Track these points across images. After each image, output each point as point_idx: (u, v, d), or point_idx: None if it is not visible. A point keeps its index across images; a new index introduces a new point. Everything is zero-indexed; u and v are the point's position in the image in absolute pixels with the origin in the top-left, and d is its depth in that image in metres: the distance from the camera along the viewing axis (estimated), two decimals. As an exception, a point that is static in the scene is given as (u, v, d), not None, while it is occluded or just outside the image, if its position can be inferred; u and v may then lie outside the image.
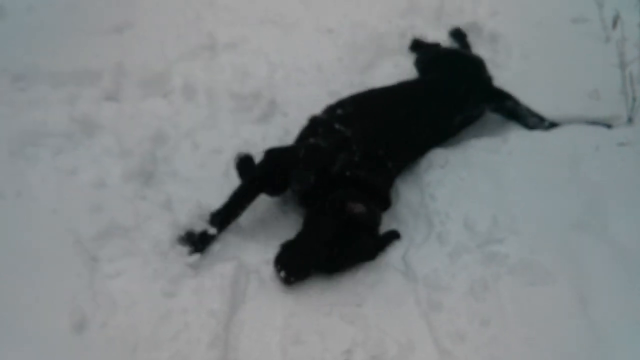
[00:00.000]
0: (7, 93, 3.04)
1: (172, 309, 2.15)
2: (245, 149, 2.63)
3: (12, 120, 2.87)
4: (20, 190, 2.47)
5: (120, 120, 2.92)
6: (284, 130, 2.93)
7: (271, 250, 2.31)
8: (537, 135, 2.79)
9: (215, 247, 2.36)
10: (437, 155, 2.69)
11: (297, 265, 2.19)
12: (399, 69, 3.27)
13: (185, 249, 2.27)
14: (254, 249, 2.41)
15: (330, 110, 2.67)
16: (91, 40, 3.35)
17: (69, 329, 2.02)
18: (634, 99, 2.80)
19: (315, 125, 2.60)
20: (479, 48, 3.37)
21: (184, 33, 3.46)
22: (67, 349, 1.98)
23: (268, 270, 2.28)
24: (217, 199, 2.50)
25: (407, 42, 3.44)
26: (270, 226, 2.51)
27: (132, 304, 2.14)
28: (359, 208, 2.29)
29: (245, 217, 2.46)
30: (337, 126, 2.54)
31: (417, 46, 3.27)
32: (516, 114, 2.82)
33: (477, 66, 2.94)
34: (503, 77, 3.14)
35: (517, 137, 2.77)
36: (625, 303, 2.15)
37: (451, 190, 2.54)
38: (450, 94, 2.72)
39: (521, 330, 2.04)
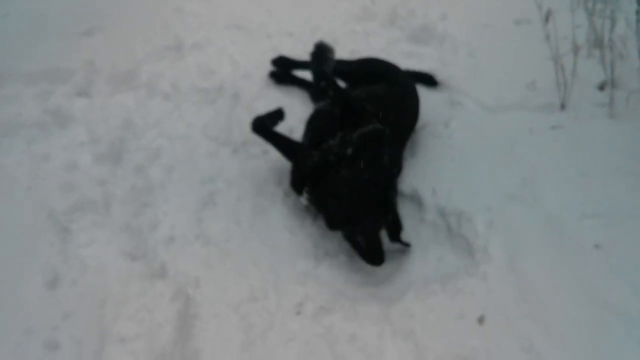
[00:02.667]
0: (-19, 91, 3.32)
1: (139, 270, 2.42)
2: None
3: (-15, 114, 3.14)
4: (-5, 169, 2.74)
5: (91, 113, 3.22)
6: (247, 121, 3.23)
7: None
8: (477, 121, 3.14)
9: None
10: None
11: None
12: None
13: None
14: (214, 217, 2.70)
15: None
16: (64, 43, 3.66)
17: (42, 285, 2.29)
18: (566, 87, 3.18)
19: None
20: (430, 48, 3.73)
21: (151, 35, 3.78)
22: (41, 302, 2.25)
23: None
24: (186, 182, 2.80)
25: (361, 43, 3.78)
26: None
27: (101, 266, 2.43)
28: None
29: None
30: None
31: (283, 62, 3.56)
32: None
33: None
34: (450, 73, 3.51)
35: (458, 122, 3.12)
36: (552, 261, 2.47)
37: (415, 173, 2.88)
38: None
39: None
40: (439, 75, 3.51)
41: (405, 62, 3.58)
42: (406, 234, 2.59)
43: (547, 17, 3.16)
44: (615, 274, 2.40)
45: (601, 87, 3.29)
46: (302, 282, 2.45)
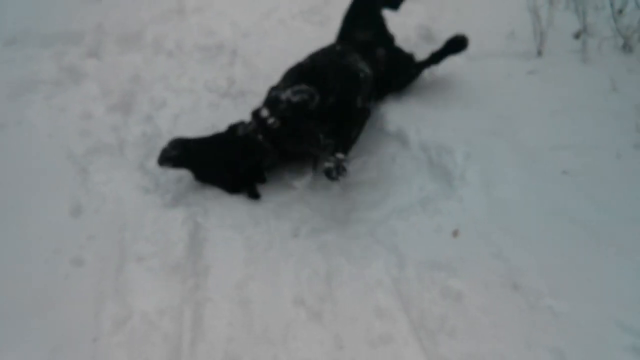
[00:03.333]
0: (2, 53, 3.65)
1: (153, 201, 2.76)
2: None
3: (7, 73, 3.47)
4: (19, 121, 3.09)
5: (102, 70, 3.54)
6: (246, 75, 3.55)
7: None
8: (458, 68, 3.45)
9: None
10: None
11: None
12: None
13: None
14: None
15: None
16: (74, 8, 3.98)
17: (67, 213, 2.63)
18: (541, 36, 3.48)
19: None
20: (419, 4, 4.03)
21: (156, 0, 4.08)
22: (66, 227, 2.58)
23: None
24: (190, 128, 3.12)
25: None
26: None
27: (119, 198, 2.76)
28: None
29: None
30: None
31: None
32: None
33: None
34: (436, 26, 3.81)
35: (441, 69, 3.43)
36: (524, 185, 2.79)
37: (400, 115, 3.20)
38: None
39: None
40: (426, 30, 3.77)
41: (397, 18, 3.86)
42: (392, 169, 2.90)
43: (522, -31, 3.45)
44: (580, 195, 2.71)
45: (577, 36, 3.59)
46: (297, 210, 2.76)
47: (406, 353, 2.21)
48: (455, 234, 2.58)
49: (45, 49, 3.60)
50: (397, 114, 3.18)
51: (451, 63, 3.50)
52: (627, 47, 3.41)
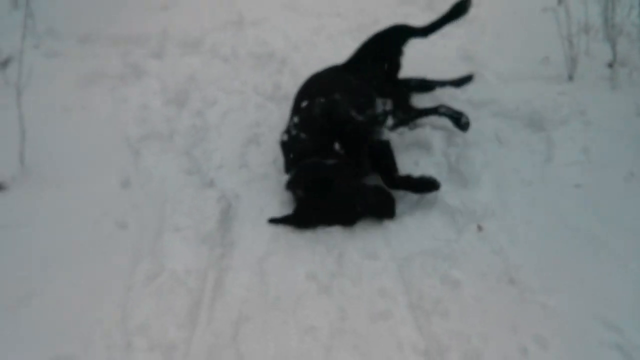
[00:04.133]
0: (74, 49, 4.19)
1: (193, 182, 3.17)
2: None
3: (77, 66, 3.99)
4: (84, 106, 3.57)
5: (162, 69, 4.01)
6: (292, 82, 3.96)
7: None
8: (492, 87, 3.78)
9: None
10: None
11: None
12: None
13: None
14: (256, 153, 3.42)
15: None
16: (142, 14, 4.51)
17: (117, 185, 3.06)
18: (573, 62, 3.76)
19: None
20: (460, 29, 4.37)
21: (217, 12, 4.58)
22: (115, 196, 3.01)
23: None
24: (236, 125, 3.54)
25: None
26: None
27: (164, 177, 3.18)
28: None
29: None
30: None
31: None
32: None
33: None
34: (475, 49, 4.13)
35: (475, 88, 3.76)
36: (534, 194, 3.05)
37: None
38: None
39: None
40: (465, 52, 4.11)
41: (438, 41, 4.22)
42: (414, 171, 3.21)
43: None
44: (586, 207, 2.94)
45: (610, 65, 3.83)
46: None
47: (402, 329, 2.49)
48: (479, 228, 2.86)
49: (114, 48, 4.11)
50: (425, 124, 3.48)
51: (487, 83, 3.81)
52: (658, 78, 3.61)
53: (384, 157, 3.15)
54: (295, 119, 3.18)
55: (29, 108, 3.10)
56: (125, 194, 3.01)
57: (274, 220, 2.93)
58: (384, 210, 2.96)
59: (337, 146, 3.11)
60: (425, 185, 3.04)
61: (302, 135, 3.12)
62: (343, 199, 2.92)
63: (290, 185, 3.03)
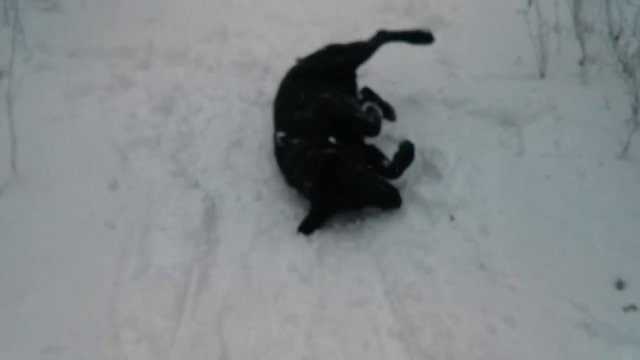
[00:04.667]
0: (64, 62, 4.33)
1: (179, 183, 3.32)
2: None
3: (66, 78, 4.11)
4: (74, 115, 3.72)
5: (149, 80, 4.16)
6: (275, 88, 4.11)
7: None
8: (467, 87, 3.95)
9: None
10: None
11: None
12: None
13: None
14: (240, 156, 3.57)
15: None
16: (130, 27, 4.67)
17: (105, 187, 3.20)
18: (544, 61, 3.93)
19: None
20: (437, 33, 4.53)
21: (202, 23, 4.74)
22: (103, 198, 3.16)
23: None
24: (220, 130, 3.70)
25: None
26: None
27: (151, 179, 3.31)
28: None
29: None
30: None
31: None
32: None
33: None
34: (451, 52, 4.30)
35: (450, 88, 3.91)
36: (506, 184, 3.21)
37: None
38: None
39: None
40: (441, 55, 4.28)
41: (415, 46, 4.39)
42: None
43: (530, 0, 3.93)
44: (556, 196, 3.10)
45: (581, 62, 4.00)
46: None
47: (379, 313, 2.64)
48: (451, 218, 3.01)
49: (101, 61, 4.26)
50: (402, 124, 3.65)
51: (461, 83, 3.98)
52: (627, 72, 3.76)
53: (378, 155, 3.35)
54: (283, 128, 3.39)
55: (20, 118, 3.24)
56: (113, 196, 3.15)
57: (303, 229, 3.09)
58: (391, 200, 3.12)
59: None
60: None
61: (295, 141, 3.27)
62: (353, 181, 3.05)
63: (298, 179, 3.18)
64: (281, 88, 3.69)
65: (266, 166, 3.49)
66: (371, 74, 4.07)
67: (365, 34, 4.46)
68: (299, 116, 3.34)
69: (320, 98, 3.31)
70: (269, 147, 3.57)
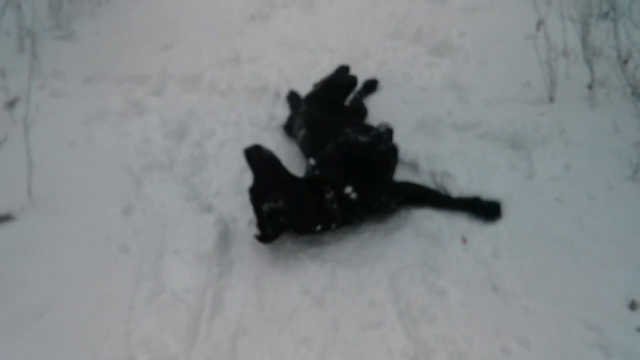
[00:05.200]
0: (79, 89, 4.42)
1: (192, 207, 3.37)
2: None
3: (81, 104, 4.21)
4: (88, 141, 3.79)
5: (163, 105, 4.23)
6: (285, 113, 4.19)
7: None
8: (476, 111, 3.98)
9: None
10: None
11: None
12: (383, 69, 4.58)
13: None
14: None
15: None
16: (144, 55, 4.75)
17: (120, 212, 3.26)
18: (552, 85, 3.98)
19: None
20: (446, 59, 4.62)
21: (215, 50, 4.82)
22: (118, 222, 3.21)
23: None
24: (232, 154, 3.74)
25: (389, 56, 4.71)
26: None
27: (164, 203, 3.36)
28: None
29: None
30: None
31: (293, 97, 4.23)
32: None
33: None
34: (461, 77, 4.36)
35: (460, 112, 3.97)
36: (517, 207, 3.24)
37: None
38: None
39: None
40: (450, 79, 4.34)
41: (425, 71, 4.47)
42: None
43: (538, 26, 3.99)
44: (567, 218, 3.12)
45: (590, 86, 4.04)
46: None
47: (392, 336, 2.65)
48: (464, 240, 3.04)
49: (116, 87, 4.34)
50: (414, 146, 3.68)
51: (471, 107, 4.03)
52: (635, 95, 3.80)
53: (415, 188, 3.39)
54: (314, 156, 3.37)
55: (35, 143, 3.31)
56: (127, 220, 3.19)
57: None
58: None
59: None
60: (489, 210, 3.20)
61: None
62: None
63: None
64: (308, 115, 3.77)
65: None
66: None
67: (375, 60, 4.58)
68: (326, 151, 3.36)
69: (336, 144, 3.33)
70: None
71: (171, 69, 4.54)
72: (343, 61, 4.67)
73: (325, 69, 4.62)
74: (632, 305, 2.64)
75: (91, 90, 4.31)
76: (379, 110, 4.04)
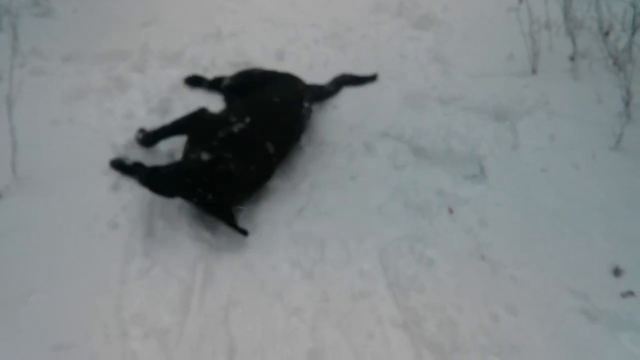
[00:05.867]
0: (59, 68, 4.35)
1: None
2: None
3: (63, 82, 4.14)
4: (71, 119, 3.76)
5: (145, 81, 4.19)
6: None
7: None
8: (461, 84, 4.02)
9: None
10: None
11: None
12: (367, 43, 4.60)
13: None
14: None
15: None
16: (124, 31, 4.70)
17: (107, 189, 3.25)
18: (535, 57, 4.03)
19: None
20: (429, 32, 4.63)
21: (196, 26, 4.78)
22: (106, 198, 3.20)
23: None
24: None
25: (372, 30, 4.72)
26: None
27: (150, 180, 3.36)
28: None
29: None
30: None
31: (195, 81, 4.19)
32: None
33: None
34: (444, 50, 4.39)
35: (445, 86, 3.99)
36: (505, 178, 3.30)
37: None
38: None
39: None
40: (435, 53, 4.36)
41: (408, 44, 4.48)
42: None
43: (520, -1, 4.02)
44: (552, 188, 3.19)
45: (572, 58, 4.09)
46: (304, 193, 3.32)
47: (382, 305, 2.70)
48: (450, 211, 3.08)
49: (97, 64, 4.29)
50: (401, 119, 3.72)
51: (455, 80, 4.07)
52: (617, 66, 3.85)
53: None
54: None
55: (18, 122, 3.27)
56: (114, 196, 3.19)
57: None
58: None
59: None
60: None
61: None
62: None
63: None
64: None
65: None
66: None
67: (357, 34, 4.58)
68: None
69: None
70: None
71: (152, 45, 4.51)
72: (326, 36, 4.67)
73: (308, 44, 4.63)
74: (616, 272, 2.71)
75: (72, 68, 4.26)
76: (363, 85, 4.05)
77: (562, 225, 2.96)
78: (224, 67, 4.33)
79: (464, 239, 2.92)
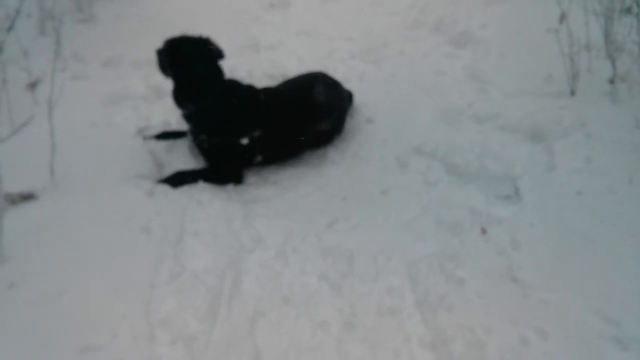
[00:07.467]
0: (98, 72, 4.46)
1: (212, 190, 3.41)
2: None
3: (102, 87, 4.25)
4: (109, 123, 3.82)
5: (182, 90, 4.25)
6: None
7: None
8: (496, 102, 3.99)
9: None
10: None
11: None
12: (403, 59, 4.57)
13: None
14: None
15: None
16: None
17: (142, 194, 3.28)
18: (574, 79, 3.98)
19: None
20: (466, 50, 4.62)
21: (234, 38, 4.84)
22: (141, 204, 3.24)
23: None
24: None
25: (409, 46, 4.72)
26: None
27: (185, 187, 3.41)
28: None
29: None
30: None
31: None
32: None
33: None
34: (481, 68, 4.37)
35: (480, 103, 3.96)
36: (540, 200, 3.26)
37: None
38: None
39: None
40: (471, 70, 4.34)
41: (445, 61, 4.47)
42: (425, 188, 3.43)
43: (561, 19, 3.99)
44: (586, 211, 3.12)
45: (611, 81, 4.04)
46: (335, 203, 3.32)
47: (409, 323, 2.67)
48: (483, 231, 3.06)
49: (135, 71, 4.37)
50: (435, 136, 3.70)
51: (491, 98, 4.05)
52: (656, 91, 3.80)
53: None
54: None
55: (58, 124, 3.33)
56: (149, 202, 3.22)
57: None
58: None
59: None
60: None
61: None
62: None
63: None
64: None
65: (295, 171, 3.54)
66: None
67: (393, 49, 4.58)
68: None
69: None
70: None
71: (190, 54, 4.51)
72: (362, 50, 4.69)
73: (344, 57, 4.65)
74: (650, 300, 2.64)
75: (111, 73, 4.34)
76: (398, 100, 4.04)
77: (596, 250, 2.89)
78: (261, 78, 4.35)
79: (495, 259, 2.88)
